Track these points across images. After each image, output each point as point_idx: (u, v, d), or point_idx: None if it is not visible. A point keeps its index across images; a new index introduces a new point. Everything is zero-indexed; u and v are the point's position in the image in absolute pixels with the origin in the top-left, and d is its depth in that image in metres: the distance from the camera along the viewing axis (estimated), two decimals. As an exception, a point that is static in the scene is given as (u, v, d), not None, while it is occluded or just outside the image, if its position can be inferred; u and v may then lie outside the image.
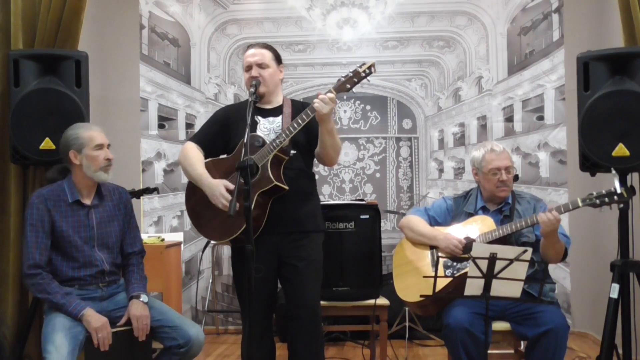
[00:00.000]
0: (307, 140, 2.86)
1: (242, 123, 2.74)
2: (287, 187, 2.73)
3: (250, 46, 2.93)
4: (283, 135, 2.72)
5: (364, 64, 2.71)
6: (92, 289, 2.82)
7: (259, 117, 2.88)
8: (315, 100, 2.65)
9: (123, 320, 2.77)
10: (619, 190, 2.80)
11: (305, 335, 2.79)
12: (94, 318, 2.68)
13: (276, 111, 2.90)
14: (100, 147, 2.82)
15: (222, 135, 2.90)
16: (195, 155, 2.87)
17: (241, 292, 2.88)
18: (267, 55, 2.88)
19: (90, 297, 2.80)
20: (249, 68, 2.86)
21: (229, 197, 2.69)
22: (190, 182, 2.91)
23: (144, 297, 2.82)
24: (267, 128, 2.86)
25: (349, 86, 2.70)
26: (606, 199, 2.80)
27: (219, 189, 2.72)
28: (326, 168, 5.11)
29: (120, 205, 2.95)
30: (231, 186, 2.72)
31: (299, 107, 2.90)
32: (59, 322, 2.66)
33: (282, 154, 2.75)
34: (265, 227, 2.74)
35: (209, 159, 2.90)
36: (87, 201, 2.86)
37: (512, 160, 3.14)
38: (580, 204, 2.83)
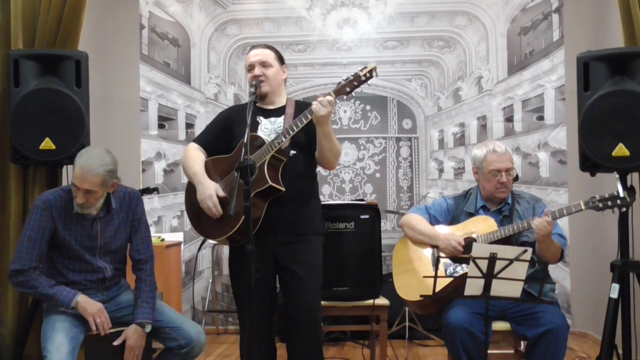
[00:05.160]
0: (309, 140, 2.83)
1: (243, 124, 2.71)
2: (283, 189, 2.69)
3: (252, 47, 2.92)
4: (282, 136, 2.69)
5: (365, 67, 2.65)
6: (93, 293, 2.80)
7: (261, 118, 2.87)
8: (314, 102, 2.63)
9: (119, 341, 2.69)
10: (621, 194, 2.80)
11: (303, 337, 2.77)
12: (89, 304, 2.67)
13: (279, 111, 2.87)
14: (76, 187, 2.70)
15: (225, 136, 2.89)
16: (194, 156, 2.87)
17: (238, 292, 2.86)
18: (269, 55, 2.87)
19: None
20: (251, 68, 2.85)
21: (217, 202, 2.70)
22: (190, 181, 2.90)
23: (148, 328, 2.73)
24: (269, 128, 2.84)
25: (348, 89, 2.66)
26: (609, 203, 2.80)
27: (210, 191, 2.73)
28: (326, 168, 5.11)
29: (129, 212, 2.88)
30: (222, 193, 2.73)
31: (302, 108, 2.83)
32: (59, 322, 2.66)
33: (280, 154, 2.72)
34: (261, 229, 2.70)
35: (209, 158, 2.89)
36: (94, 212, 2.79)
37: (513, 162, 3.13)
38: (583, 207, 2.82)
